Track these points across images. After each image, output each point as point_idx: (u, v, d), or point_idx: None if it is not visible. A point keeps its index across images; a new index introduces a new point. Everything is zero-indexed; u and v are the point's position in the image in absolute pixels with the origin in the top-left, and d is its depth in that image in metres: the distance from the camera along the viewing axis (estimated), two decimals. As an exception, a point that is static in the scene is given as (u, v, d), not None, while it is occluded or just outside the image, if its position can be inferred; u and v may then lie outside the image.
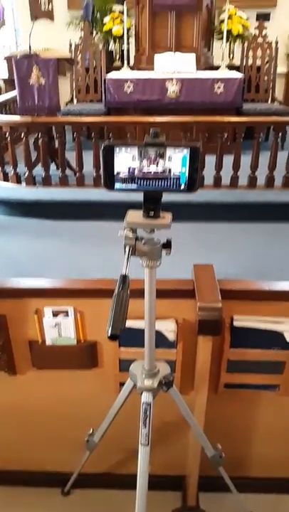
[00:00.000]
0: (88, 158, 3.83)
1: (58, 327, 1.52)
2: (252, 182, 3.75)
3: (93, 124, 3.96)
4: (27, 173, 3.94)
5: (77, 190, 3.90)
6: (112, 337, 0.85)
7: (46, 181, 3.94)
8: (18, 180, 3.99)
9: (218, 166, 3.72)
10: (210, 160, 3.67)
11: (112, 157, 0.99)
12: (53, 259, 3.03)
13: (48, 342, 1.55)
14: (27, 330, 1.53)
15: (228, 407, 1.63)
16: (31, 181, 3.96)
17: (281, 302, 1.39)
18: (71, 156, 3.97)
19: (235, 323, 1.39)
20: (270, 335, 1.39)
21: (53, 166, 4.07)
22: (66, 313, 1.49)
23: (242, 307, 1.40)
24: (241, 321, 1.38)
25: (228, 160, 3.72)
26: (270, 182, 3.73)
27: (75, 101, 5.55)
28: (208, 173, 3.71)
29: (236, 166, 3.70)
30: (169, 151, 0.97)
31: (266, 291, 1.38)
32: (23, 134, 3.82)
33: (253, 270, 2.81)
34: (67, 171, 3.99)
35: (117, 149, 0.98)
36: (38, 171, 3.97)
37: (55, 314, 1.50)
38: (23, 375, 1.60)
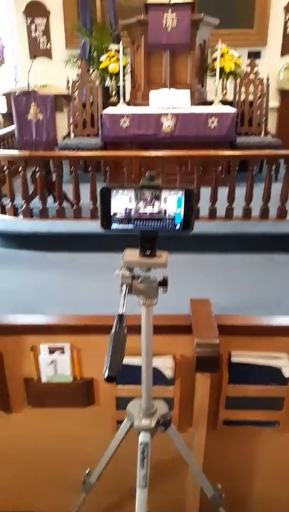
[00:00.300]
0: (85, 190, 3.89)
1: (54, 364, 1.51)
2: (247, 213, 3.80)
3: (90, 158, 4.04)
4: (24, 206, 3.99)
5: (74, 222, 3.94)
6: (109, 379, 0.85)
7: (43, 214, 3.99)
8: (16, 213, 4.03)
9: (213, 198, 3.78)
10: (205, 192, 3.74)
11: (109, 199, 1.02)
12: (50, 292, 3.03)
13: (44, 379, 1.54)
14: (23, 367, 1.51)
15: (228, 444, 1.60)
16: (28, 214, 4.00)
17: (278, 337, 1.39)
18: (68, 189, 4.02)
19: (233, 359, 1.38)
20: (268, 370, 1.38)
21: (50, 199, 4.12)
22: (62, 350, 1.48)
23: (239, 342, 1.39)
24: (239, 357, 1.38)
25: (223, 192, 3.78)
26: (264, 213, 3.79)
27: (72, 135, 5.68)
28: (204, 204, 3.76)
29: (231, 198, 3.77)
30: (165, 193, 1.00)
31: (263, 326, 1.38)
32: (20, 168, 3.89)
33: (250, 302, 2.81)
34: (64, 203, 4.04)
35: (114, 191, 1.01)
36: (36, 203, 4.02)
37: (52, 351, 1.49)
38: (18, 414, 1.58)
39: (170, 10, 4.94)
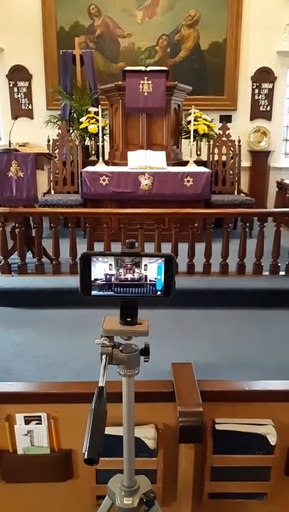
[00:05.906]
0: (65, 245, 3.89)
1: (31, 435, 1.43)
2: (224, 269, 3.85)
3: (70, 215, 4.08)
4: (2, 262, 3.94)
5: (53, 277, 3.90)
6: (89, 461, 0.80)
7: (22, 269, 3.94)
8: (-7, 269, 3.97)
9: (191, 254, 3.83)
10: (182, 248, 3.79)
11: (89, 266, 1.01)
12: (28, 352, 2.93)
13: (20, 451, 1.45)
14: (-3, 438, 1.43)
15: (214, 519, 1.51)
16: (6, 270, 3.95)
17: (262, 403, 1.36)
18: (48, 243, 4.02)
19: (218, 427, 1.34)
20: (254, 438, 1.34)
21: (29, 254, 4.10)
22: (39, 420, 1.41)
23: (223, 409, 1.36)
24: (223, 425, 1.33)
25: (200, 247, 3.84)
26: (241, 269, 3.85)
27: (52, 192, 5.77)
28: (181, 260, 3.80)
29: (208, 254, 3.82)
30: (145, 260, 1.00)
31: (246, 391, 1.35)
32: (0, 224, 3.88)
33: (230, 359, 2.78)
34: (44, 259, 4.01)
35: (94, 258, 1.01)
36: (14, 259, 3.98)
37: (27, 421, 1.42)
38: (-9, 491, 1.47)
39: (146, 77, 5.25)
